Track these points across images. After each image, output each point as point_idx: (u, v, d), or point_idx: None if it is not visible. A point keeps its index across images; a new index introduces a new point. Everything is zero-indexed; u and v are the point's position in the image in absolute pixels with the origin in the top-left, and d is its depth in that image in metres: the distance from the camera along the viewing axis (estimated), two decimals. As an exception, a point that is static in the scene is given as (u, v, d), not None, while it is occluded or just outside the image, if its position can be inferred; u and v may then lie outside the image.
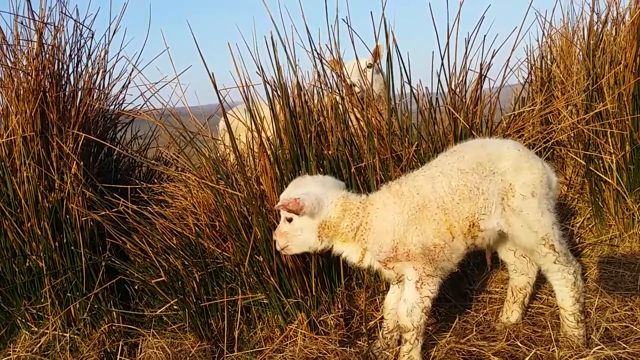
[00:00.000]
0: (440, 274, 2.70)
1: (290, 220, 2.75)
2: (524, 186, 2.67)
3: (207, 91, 3.29)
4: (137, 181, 3.97)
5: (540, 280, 3.25)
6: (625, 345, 2.68)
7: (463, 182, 2.66)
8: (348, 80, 3.76)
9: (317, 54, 3.48)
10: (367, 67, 4.86)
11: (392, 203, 2.70)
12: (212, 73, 2.88)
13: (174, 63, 3.54)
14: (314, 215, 2.69)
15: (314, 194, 2.70)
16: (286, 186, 3.29)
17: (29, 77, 3.60)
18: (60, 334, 3.60)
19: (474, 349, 2.89)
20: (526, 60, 4.44)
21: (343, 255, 2.83)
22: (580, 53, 4.32)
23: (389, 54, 3.44)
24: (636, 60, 3.93)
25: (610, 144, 4.04)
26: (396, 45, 3.46)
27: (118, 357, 3.09)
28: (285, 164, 3.34)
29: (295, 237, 2.77)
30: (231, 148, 3.30)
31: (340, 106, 3.59)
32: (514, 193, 2.67)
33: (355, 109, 3.70)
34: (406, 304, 2.67)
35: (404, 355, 2.72)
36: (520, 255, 3.07)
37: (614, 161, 4.01)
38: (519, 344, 2.87)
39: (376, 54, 4.81)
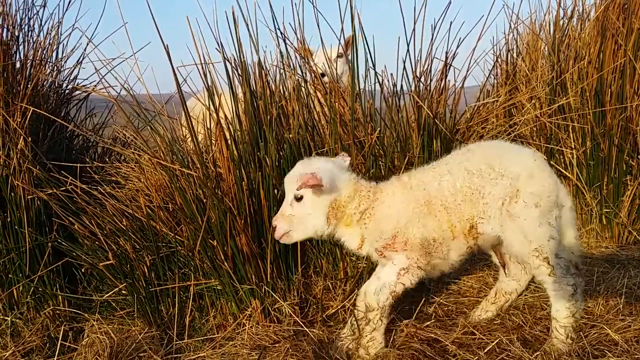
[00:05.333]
0: (429, 270, 2.67)
1: (299, 199, 2.64)
2: (531, 195, 2.58)
3: (168, 79, 3.16)
4: (89, 160, 3.79)
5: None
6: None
7: (467, 184, 2.62)
8: (318, 70, 3.67)
9: (281, 33, 3.38)
10: (338, 56, 4.60)
11: (399, 193, 2.69)
12: (167, 45, 2.75)
13: (133, 40, 3.40)
14: (330, 191, 2.63)
15: (328, 169, 2.66)
16: (244, 168, 3.21)
17: (-26, 46, 3.39)
18: (1, 317, 3.43)
19: (433, 335, 2.84)
20: (492, 51, 4.42)
21: (343, 240, 2.77)
22: (546, 47, 4.33)
23: (354, 37, 3.36)
24: (599, 56, 3.95)
25: (572, 139, 4.06)
26: (362, 29, 3.38)
27: (60, 342, 2.93)
28: (243, 145, 3.23)
29: (302, 219, 2.66)
30: (188, 129, 3.17)
31: (304, 89, 3.50)
32: (517, 199, 2.58)
33: (318, 93, 3.62)
34: (378, 282, 2.65)
35: (366, 336, 2.68)
36: (515, 261, 2.95)
37: (575, 156, 4.03)
38: (475, 331, 2.84)
39: (348, 44, 4.64)
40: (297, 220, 2.67)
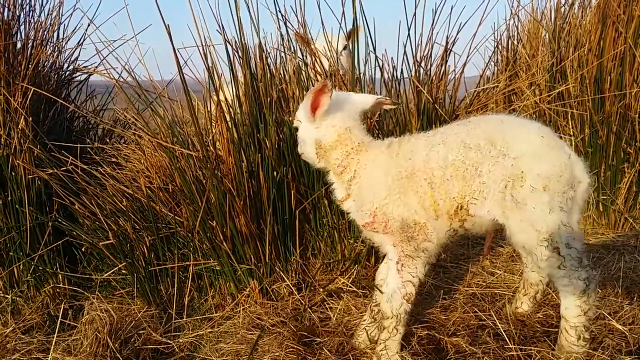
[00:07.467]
0: (423, 256, 2.39)
1: (297, 129, 2.59)
2: (537, 178, 2.24)
3: (169, 65, 3.15)
4: (89, 142, 3.81)
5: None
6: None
7: (461, 158, 2.29)
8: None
9: (282, 15, 3.38)
10: (343, 49, 4.36)
11: (382, 161, 2.42)
12: (168, 25, 2.76)
13: (134, 22, 3.39)
14: (319, 120, 2.44)
15: (334, 100, 2.40)
16: (244, 150, 3.23)
17: (-25, 25, 3.40)
18: (2, 295, 3.47)
19: (434, 317, 2.87)
20: (492, 37, 4.43)
21: (332, 186, 2.58)
22: (547, 34, 4.34)
23: (354, 19, 3.37)
24: (600, 44, 3.96)
25: (571, 125, 4.08)
26: (363, 12, 3.38)
27: (60, 319, 2.97)
28: (243, 127, 3.24)
29: (302, 146, 2.58)
30: (189, 111, 3.18)
31: (304, 72, 3.50)
32: (522, 183, 2.24)
33: (319, 77, 3.62)
34: (387, 289, 2.42)
35: (381, 343, 2.48)
36: (522, 252, 2.74)
37: (573, 143, 4.05)
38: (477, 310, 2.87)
39: (351, 35, 4.49)
40: (300, 141, 2.60)
